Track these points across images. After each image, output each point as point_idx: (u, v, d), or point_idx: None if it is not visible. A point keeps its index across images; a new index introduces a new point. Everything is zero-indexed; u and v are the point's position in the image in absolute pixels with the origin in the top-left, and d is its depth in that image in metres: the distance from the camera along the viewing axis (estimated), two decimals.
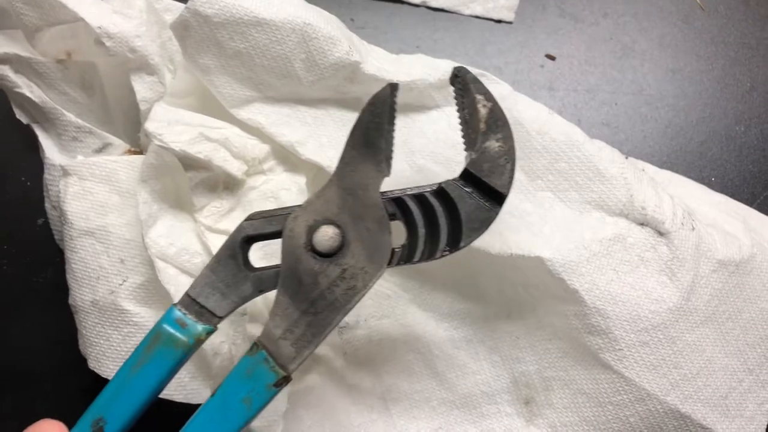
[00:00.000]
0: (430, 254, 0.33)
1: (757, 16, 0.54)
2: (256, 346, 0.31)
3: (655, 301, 0.38)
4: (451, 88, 0.35)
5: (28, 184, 0.49)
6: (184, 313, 0.32)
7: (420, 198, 0.33)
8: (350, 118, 0.43)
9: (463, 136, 0.34)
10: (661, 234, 0.38)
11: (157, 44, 0.43)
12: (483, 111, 0.33)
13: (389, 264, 0.33)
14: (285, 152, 0.42)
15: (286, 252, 0.32)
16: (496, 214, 0.33)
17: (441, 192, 0.33)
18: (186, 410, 0.35)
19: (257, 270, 0.33)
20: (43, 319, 0.47)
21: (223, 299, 0.33)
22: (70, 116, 0.44)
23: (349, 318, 0.42)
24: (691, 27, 0.53)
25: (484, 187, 0.33)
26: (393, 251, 0.33)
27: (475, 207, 0.33)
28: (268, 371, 0.31)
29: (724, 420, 0.38)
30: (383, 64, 0.42)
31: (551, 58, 0.53)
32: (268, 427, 0.38)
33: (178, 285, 0.38)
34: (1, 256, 0.48)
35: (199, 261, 0.40)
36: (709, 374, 0.38)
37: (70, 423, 0.46)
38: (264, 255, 0.38)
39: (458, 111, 0.35)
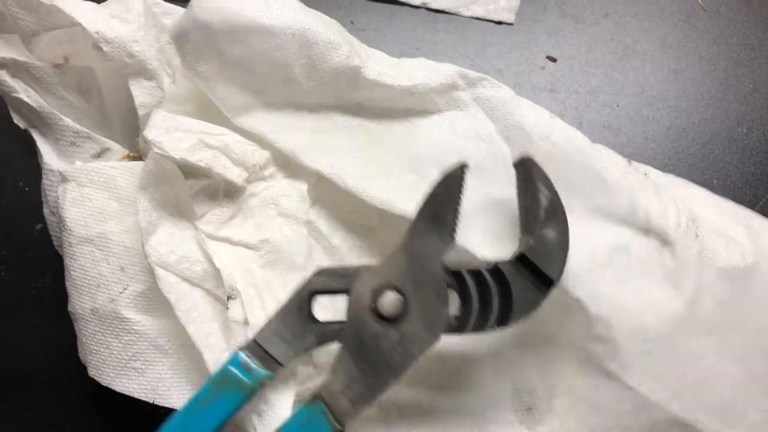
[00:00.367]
0: (479, 328, 0.35)
1: (760, 17, 0.53)
2: (316, 398, 0.34)
3: (658, 310, 0.37)
4: (513, 171, 0.38)
5: (26, 189, 0.49)
6: (250, 358, 0.35)
7: (477, 274, 0.36)
8: (352, 123, 0.42)
9: (521, 220, 0.37)
10: (665, 243, 0.38)
11: (156, 49, 0.42)
12: (544, 201, 0.36)
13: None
14: (286, 158, 0.42)
15: (351, 312, 0.35)
16: (545, 298, 0.35)
17: (497, 271, 0.35)
18: None
19: (321, 323, 0.35)
20: (41, 325, 0.47)
21: (288, 348, 0.35)
22: (68, 121, 0.43)
23: None
24: (693, 28, 0.53)
25: (537, 271, 0.35)
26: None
27: (526, 290, 0.35)
28: (325, 423, 0.33)
29: (727, 429, 0.38)
30: (384, 68, 0.41)
31: (552, 59, 0.52)
32: None
33: (179, 293, 0.38)
34: None
35: (200, 269, 0.40)
36: (712, 383, 0.38)
37: (67, 430, 0.46)
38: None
39: (519, 196, 0.38)
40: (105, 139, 0.43)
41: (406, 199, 0.38)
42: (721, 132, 0.51)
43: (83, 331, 0.40)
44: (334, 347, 0.35)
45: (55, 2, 0.41)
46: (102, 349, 0.40)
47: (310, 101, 0.41)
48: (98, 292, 0.40)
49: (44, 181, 0.44)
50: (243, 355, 0.35)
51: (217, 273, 0.40)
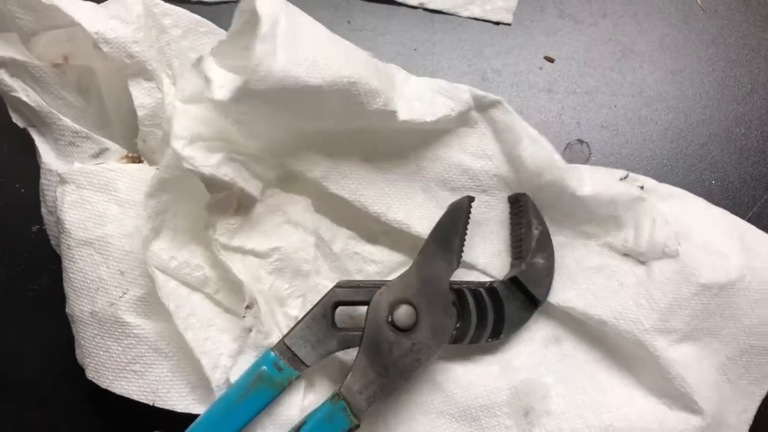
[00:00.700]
0: (475, 340, 0.42)
1: (758, 17, 0.53)
2: (337, 396, 0.38)
3: (632, 321, 0.40)
4: (509, 206, 0.44)
5: (22, 190, 0.48)
6: (279, 358, 0.39)
7: (475, 292, 0.42)
8: (367, 149, 0.43)
9: (512, 249, 0.44)
10: (641, 263, 0.42)
11: (155, 49, 0.42)
12: (536, 233, 0.43)
13: None
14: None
15: (370, 321, 0.39)
16: (531, 315, 0.43)
17: (492, 290, 0.42)
18: None
19: (342, 330, 0.40)
20: (38, 327, 0.47)
21: (313, 351, 0.39)
22: (67, 121, 0.43)
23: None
24: (691, 28, 0.53)
25: (527, 293, 0.42)
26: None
27: (516, 308, 0.42)
28: (345, 418, 0.38)
29: (707, 429, 0.40)
30: (412, 103, 0.41)
31: (550, 60, 0.52)
32: None
33: (177, 299, 0.38)
34: None
35: (200, 274, 0.40)
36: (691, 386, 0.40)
37: (66, 431, 0.45)
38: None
39: (512, 228, 0.44)
40: (104, 139, 0.43)
41: (418, 218, 0.43)
42: (720, 132, 0.51)
43: (81, 334, 0.40)
44: (353, 352, 0.39)
45: (55, 2, 0.40)
46: (101, 352, 0.40)
47: (337, 129, 0.42)
48: (97, 295, 0.39)
49: (42, 180, 0.44)
50: (273, 355, 0.39)
51: (218, 278, 0.40)
